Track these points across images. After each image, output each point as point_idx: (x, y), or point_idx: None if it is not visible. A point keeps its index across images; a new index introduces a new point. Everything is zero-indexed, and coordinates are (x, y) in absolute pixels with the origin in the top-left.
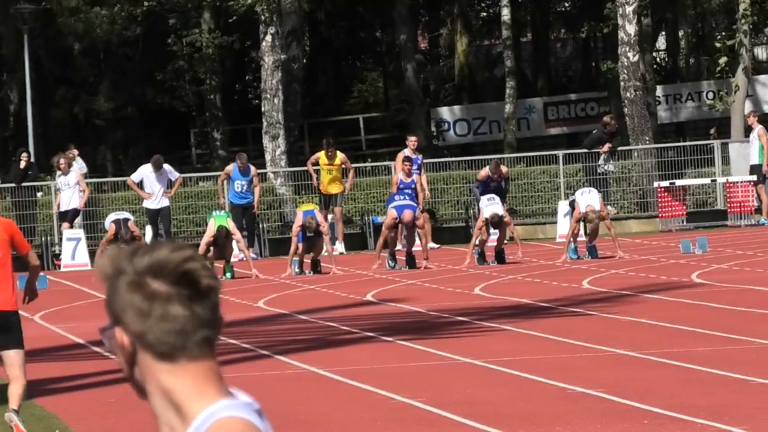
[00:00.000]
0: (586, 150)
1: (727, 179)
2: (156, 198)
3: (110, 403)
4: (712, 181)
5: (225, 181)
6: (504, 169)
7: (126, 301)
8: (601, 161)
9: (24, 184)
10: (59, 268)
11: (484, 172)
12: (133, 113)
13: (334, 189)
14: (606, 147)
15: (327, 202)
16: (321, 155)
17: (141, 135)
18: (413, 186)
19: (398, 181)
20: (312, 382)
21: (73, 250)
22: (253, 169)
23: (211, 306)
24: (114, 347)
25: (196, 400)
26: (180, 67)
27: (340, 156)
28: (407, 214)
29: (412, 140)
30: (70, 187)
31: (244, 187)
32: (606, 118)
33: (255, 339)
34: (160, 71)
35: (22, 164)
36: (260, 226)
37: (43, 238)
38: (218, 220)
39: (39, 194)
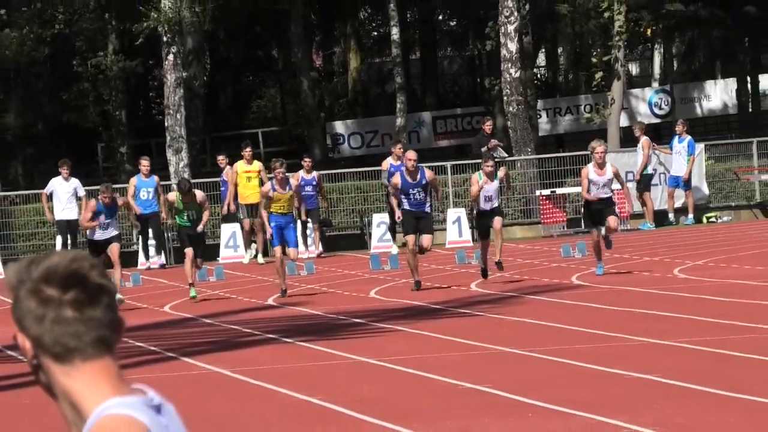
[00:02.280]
0: (473, 155)
1: None
2: (65, 209)
3: (24, 404)
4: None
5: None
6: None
7: (25, 308)
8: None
9: None
10: None
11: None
12: (42, 130)
13: (254, 198)
14: (493, 143)
15: (250, 212)
16: (240, 164)
17: (50, 150)
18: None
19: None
20: (216, 382)
21: None
22: (155, 178)
23: (104, 306)
24: (23, 352)
25: (91, 399)
26: (85, 89)
27: (257, 163)
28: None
29: (306, 162)
30: None
31: (150, 194)
32: (483, 121)
33: (162, 342)
34: (66, 91)
35: None
36: (165, 234)
37: None
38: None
39: None
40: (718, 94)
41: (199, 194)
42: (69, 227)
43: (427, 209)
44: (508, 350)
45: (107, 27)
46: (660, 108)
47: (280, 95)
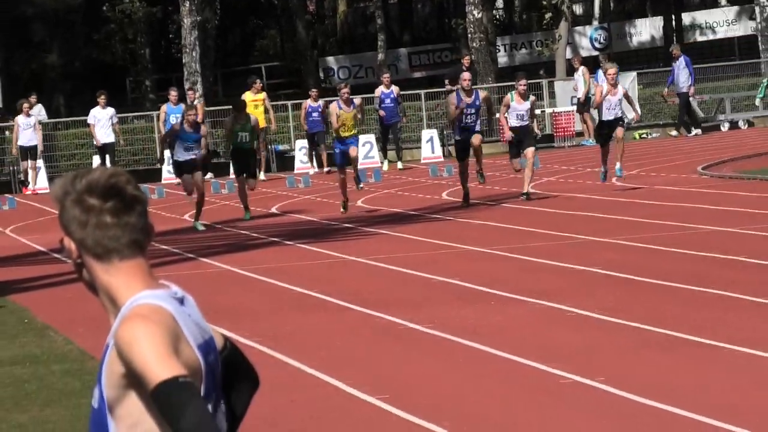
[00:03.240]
0: (450, 81)
1: (554, 110)
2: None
3: (68, 297)
4: (541, 111)
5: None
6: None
7: (70, 215)
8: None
9: None
10: (26, 187)
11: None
12: (79, 67)
13: (261, 123)
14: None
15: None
16: (248, 93)
17: (86, 84)
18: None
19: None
20: (229, 278)
21: (36, 177)
22: (183, 105)
23: (138, 213)
24: (67, 253)
25: (125, 292)
26: (113, 30)
27: (263, 93)
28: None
29: (313, 92)
30: (30, 126)
31: (178, 119)
32: (463, 55)
33: (183, 245)
34: (98, 33)
35: None
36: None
37: (11, 168)
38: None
39: (6, 133)
40: (647, 30)
41: (253, 118)
42: (105, 150)
43: (477, 129)
44: (474, 249)
45: None
46: (599, 42)
47: (280, 36)
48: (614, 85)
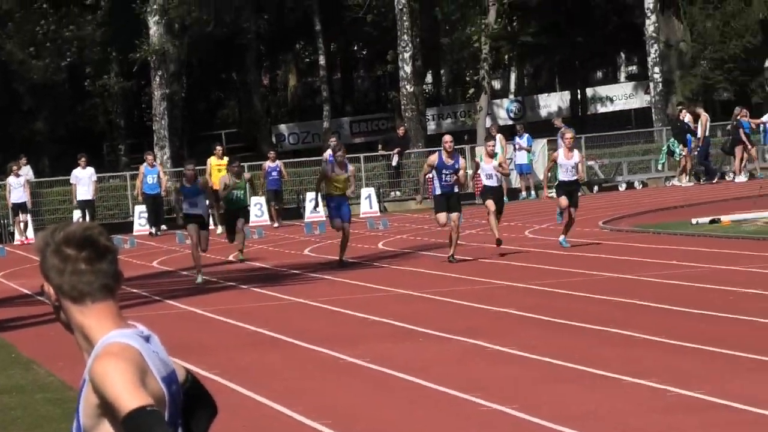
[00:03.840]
0: (383, 148)
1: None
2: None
3: (50, 335)
4: (466, 171)
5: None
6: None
7: (50, 264)
8: (393, 161)
9: None
10: (14, 241)
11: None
12: (62, 133)
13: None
14: (397, 150)
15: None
16: (212, 158)
17: (69, 148)
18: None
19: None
20: (190, 318)
21: (29, 231)
22: (158, 167)
23: (108, 261)
24: (47, 296)
25: (98, 331)
26: (94, 103)
27: (226, 158)
28: None
29: (271, 154)
30: (20, 185)
31: (154, 179)
32: (398, 125)
33: (150, 288)
34: (80, 104)
35: None
36: (163, 208)
37: (1, 221)
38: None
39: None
40: (556, 102)
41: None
42: (85, 206)
43: (456, 190)
44: (406, 292)
45: (110, 57)
46: (514, 113)
47: (238, 106)
48: (570, 149)
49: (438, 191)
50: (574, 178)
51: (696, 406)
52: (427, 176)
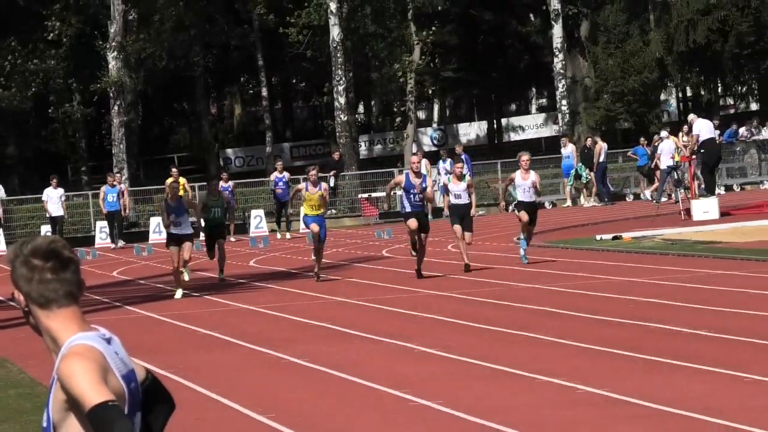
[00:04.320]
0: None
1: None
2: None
3: (21, 337)
4: (394, 193)
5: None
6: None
7: (19, 273)
8: (330, 182)
9: None
10: None
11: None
12: (29, 156)
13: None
14: (333, 172)
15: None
16: (169, 180)
17: (36, 169)
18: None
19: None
20: (147, 322)
21: (1, 243)
22: (118, 186)
23: (72, 271)
24: (18, 303)
25: (63, 334)
26: (57, 128)
27: (182, 179)
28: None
29: (225, 175)
30: None
31: (114, 198)
32: (333, 150)
33: (111, 296)
34: (45, 130)
35: None
36: (122, 224)
37: None
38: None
39: None
40: (474, 131)
41: (225, 194)
42: (55, 221)
43: (425, 210)
44: (342, 299)
45: (72, 87)
46: (437, 140)
47: (189, 132)
48: (527, 170)
49: (408, 209)
50: (533, 199)
51: (599, 402)
52: (393, 193)
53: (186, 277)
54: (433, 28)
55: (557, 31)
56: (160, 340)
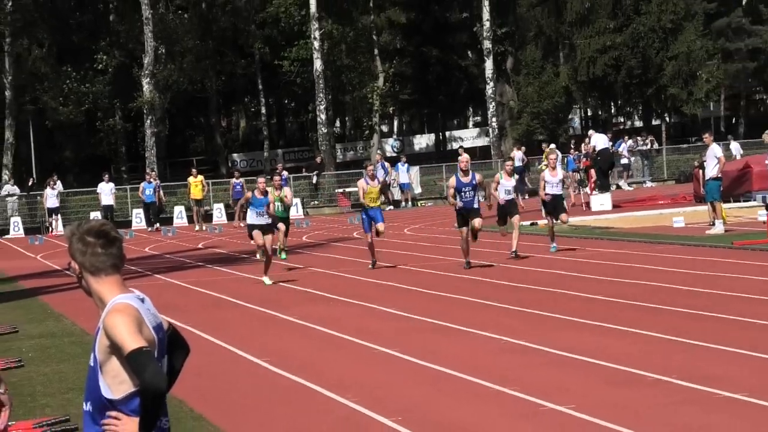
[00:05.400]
0: (305, 170)
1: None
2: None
3: (74, 297)
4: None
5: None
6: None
7: (75, 248)
8: (313, 180)
9: (31, 192)
10: (51, 231)
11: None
12: (82, 159)
13: (199, 195)
14: (315, 173)
15: (198, 203)
16: (190, 178)
17: (87, 169)
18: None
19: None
20: (171, 287)
21: (59, 226)
22: (154, 183)
23: (117, 247)
24: (72, 271)
25: (108, 295)
26: (102, 137)
27: (200, 176)
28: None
29: (237, 173)
30: (54, 195)
31: (152, 191)
32: (317, 155)
33: (143, 267)
34: (94, 138)
35: (30, 182)
36: (159, 214)
37: (40, 220)
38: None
39: (38, 198)
40: (425, 141)
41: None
42: (106, 209)
43: (476, 205)
44: (322, 270)
45: (115, 105)
46: (396, 148)
47: (204, 140)
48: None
49: (460, 205)
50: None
51: (519, 350)
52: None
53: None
54: (394, 62)
55: (489, 64)
56: (181, 301)
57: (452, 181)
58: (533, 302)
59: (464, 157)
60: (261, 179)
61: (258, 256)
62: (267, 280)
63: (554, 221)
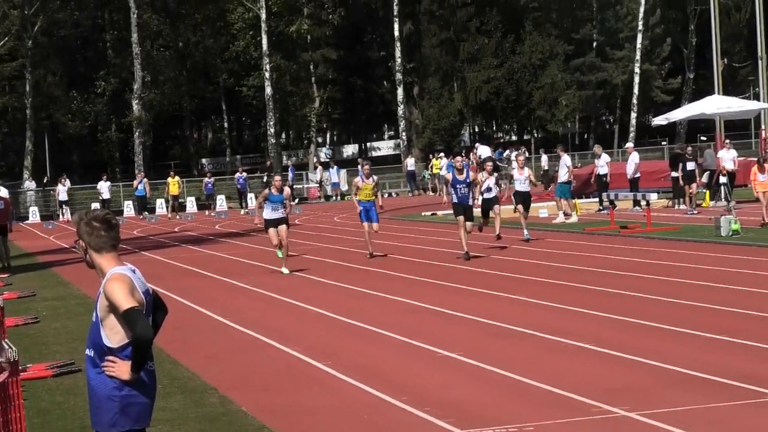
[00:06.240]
0: (260, 171)
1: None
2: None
3: (80, 269)
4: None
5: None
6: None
7: (83, 230)
8: (264, 179)
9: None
10: (61, 218)
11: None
12: (86, 161)
13: (176, 191)
14: (266, 173)
15: (174, 198)
16: (169, 178)
17: (89, 170)
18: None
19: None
20: (154, 262)
21: (68, 214)
22: (145, 180)
23: (116, 231)
24: (79, 248)
25: (107, 267)
26: (101, 147)
27: (177, 177)
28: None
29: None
30: (64, 190)
31: (141, 187)
32: (268, 162)
33: (133, 245)
34: (94, 146)
35: (45, 180)
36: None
37: (56, 208)
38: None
39: (51, 193)
40: (351, 150)
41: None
42: (104, 202)
43: (470, 202)
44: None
45: (111, 120)
46: (329, 156)
47: (180, 149)
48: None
49: (455, 200)
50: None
51: (470, 323)
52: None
53: (285, 270)
54: (327, 89)
55: (400, 91)
56: (161, 272)
57: (449, 177)
58: (435, 274)
59: (459, 158)
60: (278, 177)
61: (279, 254)
62: (285, 270)
63: (524, 212)
